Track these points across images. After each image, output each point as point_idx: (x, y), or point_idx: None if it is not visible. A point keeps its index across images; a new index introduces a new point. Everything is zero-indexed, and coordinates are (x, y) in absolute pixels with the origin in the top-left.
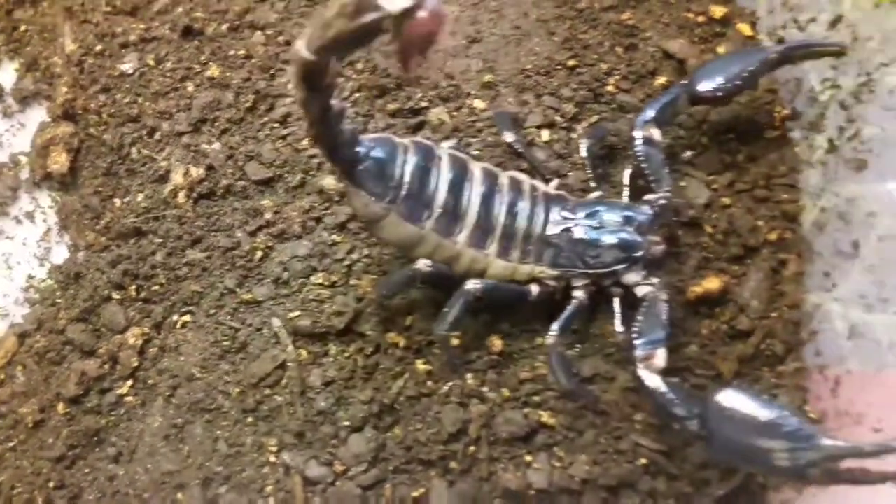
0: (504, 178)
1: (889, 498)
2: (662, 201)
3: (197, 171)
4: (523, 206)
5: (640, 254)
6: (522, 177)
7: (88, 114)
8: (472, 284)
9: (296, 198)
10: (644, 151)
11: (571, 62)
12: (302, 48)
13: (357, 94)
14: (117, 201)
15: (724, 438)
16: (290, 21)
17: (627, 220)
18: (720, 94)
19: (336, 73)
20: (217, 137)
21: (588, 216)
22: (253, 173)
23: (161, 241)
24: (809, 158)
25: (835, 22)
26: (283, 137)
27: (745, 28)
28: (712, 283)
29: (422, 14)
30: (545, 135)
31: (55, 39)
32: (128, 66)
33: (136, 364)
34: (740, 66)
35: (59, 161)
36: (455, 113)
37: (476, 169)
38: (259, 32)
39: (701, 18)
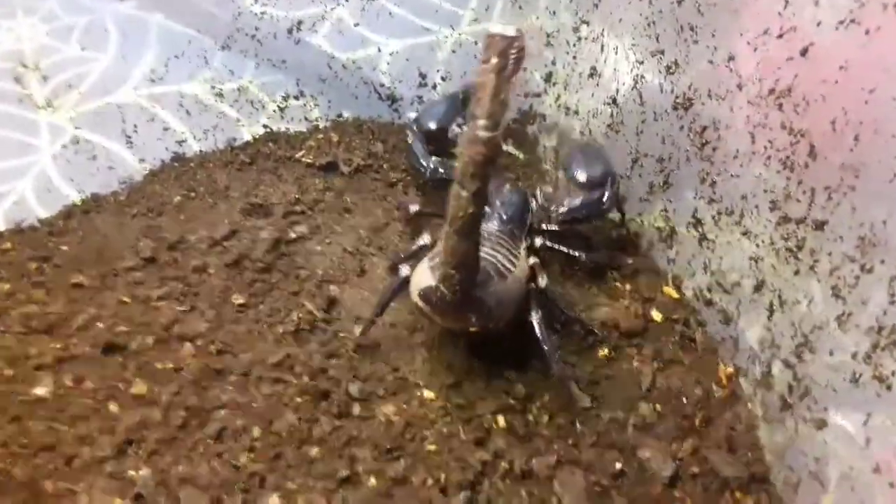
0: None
1: None
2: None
3: None
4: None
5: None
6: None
7: None
8: (535, 314)
9: None
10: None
11: None
12: (482, 132)
13: (298, 399)
14: None
15: None
16: (221, 329)
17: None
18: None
19: None
20: (145, 461)
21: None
22: (188, 500)
23: None
24: (765, 415)
25: (759, 287)
26: (220, 455)
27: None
28: None
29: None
30: None
31: None
32: (42, 390)
33: None
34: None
35: None
36: (405, 406)
37: None
38: (188, 343)
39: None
